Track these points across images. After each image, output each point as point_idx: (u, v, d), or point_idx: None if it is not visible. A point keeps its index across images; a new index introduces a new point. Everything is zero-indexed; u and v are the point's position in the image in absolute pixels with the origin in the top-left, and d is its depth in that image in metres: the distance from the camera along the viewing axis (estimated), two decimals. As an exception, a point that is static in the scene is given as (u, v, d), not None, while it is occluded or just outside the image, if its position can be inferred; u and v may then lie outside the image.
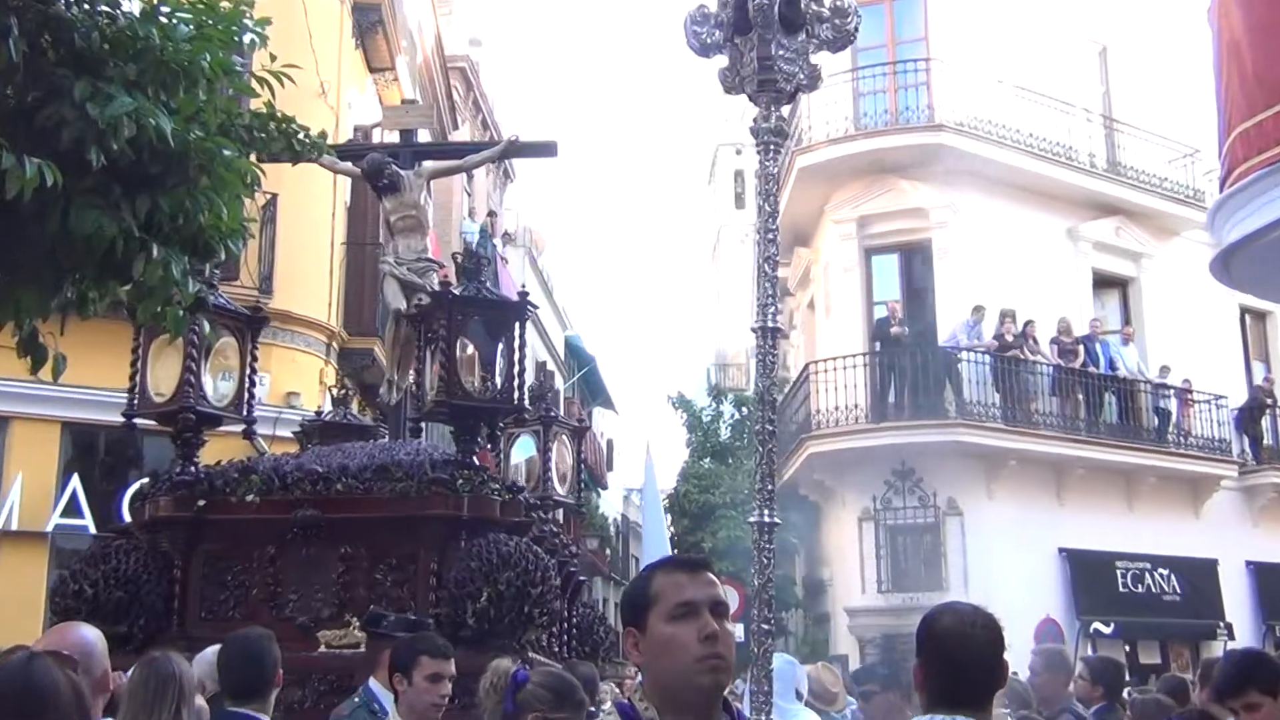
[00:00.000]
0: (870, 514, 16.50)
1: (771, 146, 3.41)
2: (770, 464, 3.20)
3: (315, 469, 6.45)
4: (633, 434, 57.25)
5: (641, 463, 14.40)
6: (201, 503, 6.41)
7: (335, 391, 8.54)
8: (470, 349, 6.73)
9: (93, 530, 10.25)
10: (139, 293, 4.18)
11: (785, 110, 3.48)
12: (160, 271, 4.05)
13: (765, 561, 3.06)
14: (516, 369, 6.77)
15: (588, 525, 29.32)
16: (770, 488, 3.11)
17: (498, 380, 6.70)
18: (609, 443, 38.36)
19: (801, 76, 3.51)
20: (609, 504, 37.30)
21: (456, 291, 6.71)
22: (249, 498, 6.38)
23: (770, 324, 3.19)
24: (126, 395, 6.80)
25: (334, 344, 12.84)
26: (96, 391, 9.48)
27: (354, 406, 8.46)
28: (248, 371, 6.96)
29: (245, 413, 6.98)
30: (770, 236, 3.36)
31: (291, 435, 8.52)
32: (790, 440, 17.81)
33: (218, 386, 6.90)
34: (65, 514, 10.65)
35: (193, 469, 6.61)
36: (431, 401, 6.73)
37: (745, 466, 21.11)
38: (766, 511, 3.09)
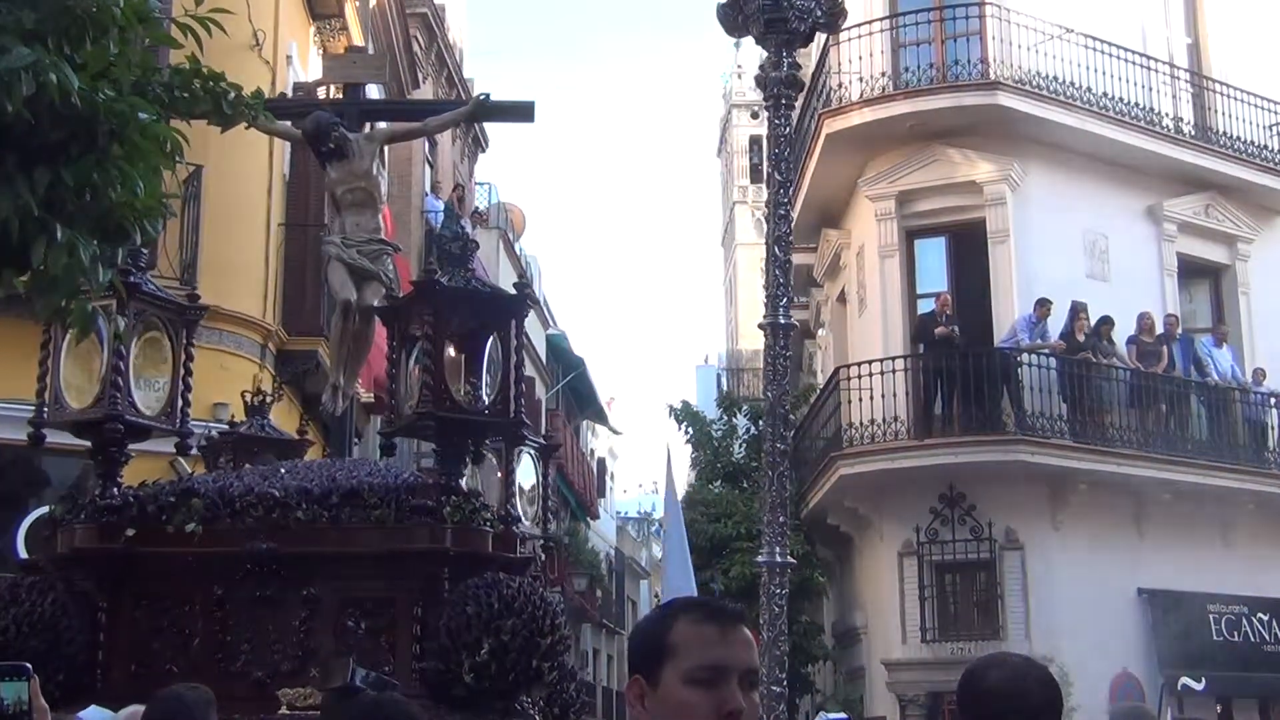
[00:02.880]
0: (913, 548, 16.51)
1: (783, 101, 3.34)
2: (782, 490, 3.16)
3: (271, 493, 6.44)
4: (628, 453, 57.32)
5: (647, 480, 14.38)
6: (130, 532, 6.39)
7: (251, 398, 8.53)
8: (453, 351, 6.75)
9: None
10: (40, 284, 4.17)
11: (808, 57, 3.43)
12: (65, 258, 4.04)
13: (777, 610, 3.01)
14: (513, 375, 6.81)
15: (575, 562, 29.36)
16: (782, 519, 3.06)
17: (484, 388, 6.71)
18: (600, 463, 38.39)
19: (819, 13, 3.43)
20: (600, 536, 37.31)
21: (444, 281, 6.73)
22: (189, 527, 6.35)
23: (782, 319, 3.13)
24: (33, 404, 6.79)
25: (270, 345, 12.84)
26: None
27: (271, 416, 8.44)
28: (181, 373, 6.96)
29: (179, 423, 6.97)
30: (782, 212, 3.30)
31: (197, 451, 8.50)
32: (818, 460, 17.80)
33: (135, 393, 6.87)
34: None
35: (117, 491, 6.58)
36: (413, 413, 6.73)
37: (763, 491, 21.10)
38: (778, 549, 3.03)
